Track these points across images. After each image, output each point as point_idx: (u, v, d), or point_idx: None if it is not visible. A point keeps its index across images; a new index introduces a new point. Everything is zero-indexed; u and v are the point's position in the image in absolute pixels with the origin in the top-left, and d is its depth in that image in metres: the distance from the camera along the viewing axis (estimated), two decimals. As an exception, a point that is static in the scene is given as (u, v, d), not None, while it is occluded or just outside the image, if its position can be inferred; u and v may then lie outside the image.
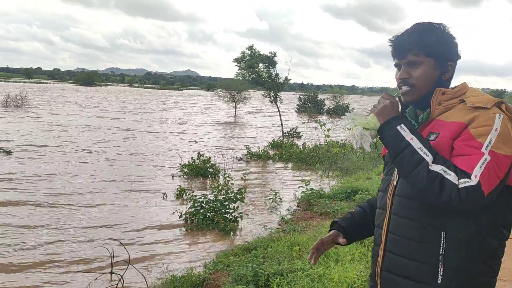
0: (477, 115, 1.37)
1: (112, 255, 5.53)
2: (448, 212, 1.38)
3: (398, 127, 1.45)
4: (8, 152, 13.28)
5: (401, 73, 1.54)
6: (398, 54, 1.55)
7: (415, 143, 1.40)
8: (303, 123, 21.85)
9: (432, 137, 1.44)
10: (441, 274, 1.38)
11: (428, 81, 1.51)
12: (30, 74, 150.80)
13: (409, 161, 1.39)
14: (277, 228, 7.33)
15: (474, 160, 1.32)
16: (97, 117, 26.99)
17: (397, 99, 1.58)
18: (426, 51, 1.49)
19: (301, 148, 15.92)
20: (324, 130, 13.08)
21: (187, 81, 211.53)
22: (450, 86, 1.54)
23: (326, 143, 15.52)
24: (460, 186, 1.30)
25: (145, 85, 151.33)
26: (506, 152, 1.33)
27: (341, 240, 1.75)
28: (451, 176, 1.32)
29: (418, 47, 1.50)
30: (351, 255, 4.79)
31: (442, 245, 1.38)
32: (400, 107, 1.57)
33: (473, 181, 1.29)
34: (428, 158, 1.36)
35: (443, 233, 1.39)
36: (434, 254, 1.39)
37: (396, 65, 1.57)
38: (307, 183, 9.40)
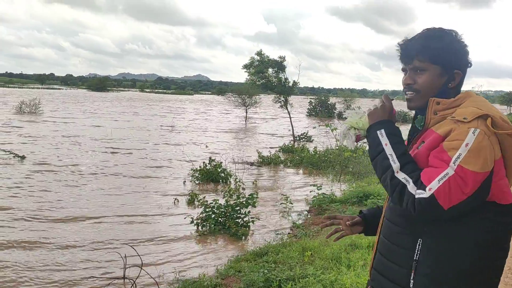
0: (454, 128, 1.35)
1: (124, 260, 5.57)
2: (426, 220, 1.38)
3: (378, 132, 1.49)
4: (22, 157, 13.48)
5: (406, 79, 1.54)
6: (404, 59, 1.54)
7: (388, 149, 1.44)
8: (314, 127, 21.80)
9: (420, 146, 1.45)
10: (412, 278, 1.41)
11: (432, 88, 1.50)
12: (43, 80, 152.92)
13: (380, 166, 1.44)
14: (289, 233, 7.32)
15: (436, 173, 1.31)
16: (105, 126, 27.15)
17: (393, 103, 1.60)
18: (432, 57, 1.48)
19: (312, 152, 15.87)
20: (335, 134, 13.03)
21: (198, 85, 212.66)
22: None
23: (337, 147, 15.46)
24: (416, 196, 1.32)
25: (156, 90, 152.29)
26: (475, 169, 1.29)
27: (353, 225, 1.84)
28: (410, 186, 1.34)
29: (424, 53, 1.49)
30: (363, 260, 4.75)
31: (417, 252, 1.41)
32: (394, 111, 1.59)
33: (426, 193, 1.30)
34: (395, 165, 1.40)
35: (420, 240, 1.41)
36: (409, 259, 1.42)
37: (403, 70, 1.57)
38: (319, 188, 9.37)
